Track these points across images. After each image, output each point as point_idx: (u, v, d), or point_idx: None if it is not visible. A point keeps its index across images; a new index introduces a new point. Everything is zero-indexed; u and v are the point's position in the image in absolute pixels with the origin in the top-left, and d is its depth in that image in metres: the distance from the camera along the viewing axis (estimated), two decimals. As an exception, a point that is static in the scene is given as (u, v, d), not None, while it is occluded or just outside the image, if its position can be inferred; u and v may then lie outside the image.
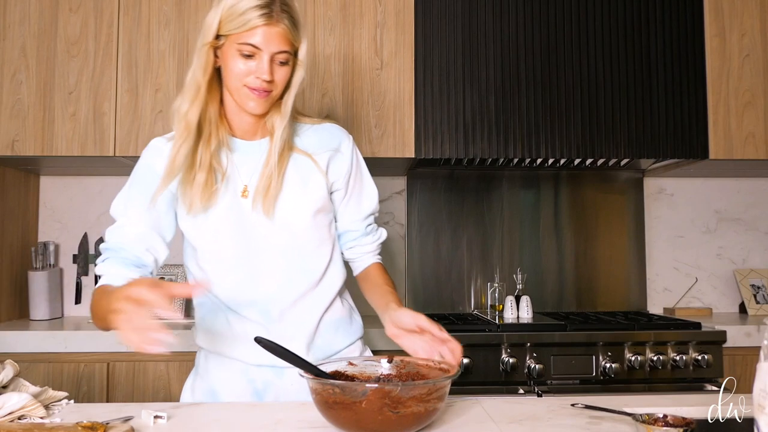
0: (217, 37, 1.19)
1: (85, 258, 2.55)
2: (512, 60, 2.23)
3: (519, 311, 2.30)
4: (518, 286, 2.44)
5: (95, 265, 1.28)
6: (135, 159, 2.24)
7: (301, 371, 0.98)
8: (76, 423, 0.94)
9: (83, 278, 2.57)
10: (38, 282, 2.38)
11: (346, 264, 1.42)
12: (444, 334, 1.14)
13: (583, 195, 2.63)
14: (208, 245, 1.30)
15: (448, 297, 2.55)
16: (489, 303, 2.47)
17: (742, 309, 2.59)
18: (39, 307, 2.38)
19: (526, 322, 2.21)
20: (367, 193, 1.41)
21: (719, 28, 2.33)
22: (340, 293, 1.38)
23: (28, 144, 2.20)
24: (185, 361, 2.01)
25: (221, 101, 1.27)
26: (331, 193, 1.35)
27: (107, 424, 0.94)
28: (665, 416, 0.91)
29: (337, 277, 1.36)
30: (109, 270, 1.22)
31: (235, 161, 1.28)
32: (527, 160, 2.33)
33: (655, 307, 2.65)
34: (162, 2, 2.24)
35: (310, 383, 0.96)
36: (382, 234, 1.45)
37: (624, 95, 2.24)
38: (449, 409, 1.10)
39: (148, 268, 1.28)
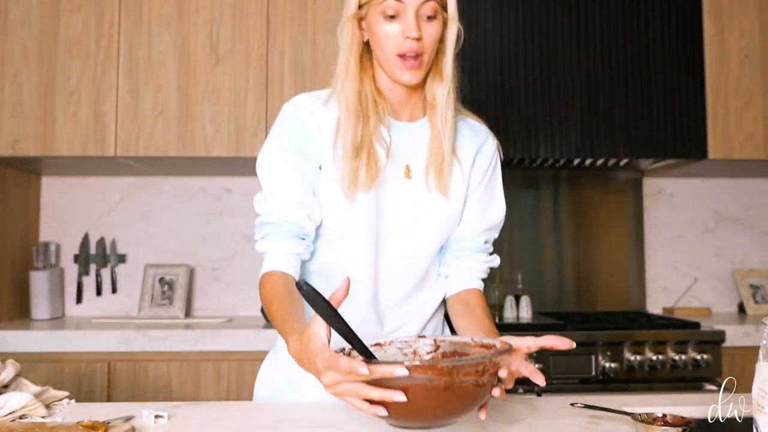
0: (360, 7, 1.13)
1: (86, 258, 2.56)
2: (512, 60, 2.23)
3: (519, 311, 2.31)
4: (518, 286, 2.44)
5: (257, 240, 1.15)
6: (136, 159, 2.27)
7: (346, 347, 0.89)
8: (77, 422, 0.94)
9: (84, 278, 2.57)
10: (39, 282, 2.39)
11: None
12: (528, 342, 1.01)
13: (583, 195, 2.63)
14: (354, 225, 1.16)
15: (448, 297, 2.55)
16: (489, 302, 2.47)
17: (741, 309, 2.60)
18: (40, 307, 2.38)
19: (525, 321, 2.21)
20: (495, 204, 1.28)
21: (718, 28, 2.33)
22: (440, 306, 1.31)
23: (29, 144, 2.20)
24: (185, 361, 2.01)
25: (374, 78, 1.19)
26: (467, 190, 1.24)
27: (108, 423, 0.94)
28: (664, 416, 0.91)
29: (441, 288, 1.28)
30: (274, 247, 1.12)
31: (395, 141, 1.18)
32: (526, 160, 2.33)
33: (655, 306, 2.66)
34: (163, 3, 2.25)
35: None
36: (495, 260, 1.29)
37: (623, 95, 2.24)
38: (449, 409, 1.10)
39: (309, 238, 1.16)
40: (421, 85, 1.19)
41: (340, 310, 1.17)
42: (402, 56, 1.10)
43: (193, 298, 2.58)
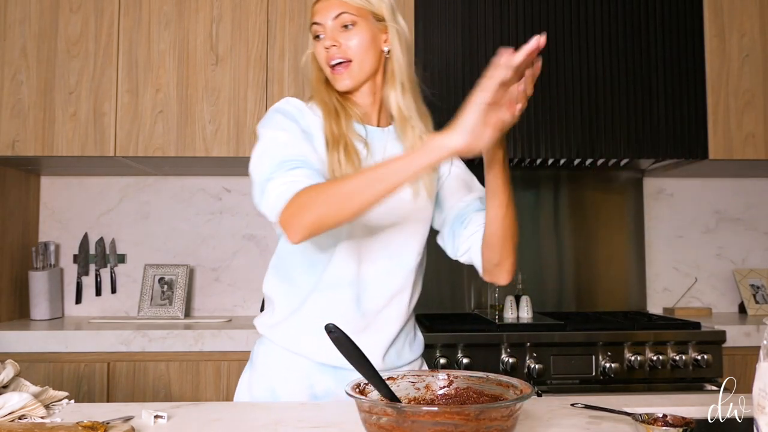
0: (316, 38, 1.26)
1: (85, 258, 2.55)
2: (512, 60, 2.23)
3: (519, 311, 2.30)
4: (518, 286, 2.44)
5: (271, 180, 1.11)
6: (135, 159, 2.26)
7: (350, 390, 0.87)
8: (77, 423, 0.94)
9: (84, 278, 2.57)
10: (39, 282, 2.38)
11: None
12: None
13: (583, 195, 2.63)
14: None
15: (448, 296, 2.55)
16: (489, 303, 2.47)
17: (742, 309, 2.59)
18: (39, 307, 2.38)
19: (525, 321, 2.21)
20: (474, 181, 1.39)
21: (719, 28, 2.33)
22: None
23: (28, 144, 2.20)
24: (185, 361, 2.01)
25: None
26: (439, 180, 1.33)
27: (107, 423, 0.94)
28: (665, 416, 0.91)
29: (419, 287, 1.34)
30: (305, 179, 1.08)
31: (371, 142, 1.27)
32: (527, 160, 2.33)
33: (655, 307, 2.65)
34: (162, 2, 2.25)
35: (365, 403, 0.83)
36: None
37: (624, 95, 2.24)
38: (449, 409, 1.10)
39: None
40: (379, 92, 1.28)
41: (323, 309, 1.21)
42: (333, 67, 1.23)
43: (192, 298, 2.58)
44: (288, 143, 1.16)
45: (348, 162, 1.19)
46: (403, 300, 1.28)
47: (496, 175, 1.18)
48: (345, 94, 1.28)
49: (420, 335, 1.39)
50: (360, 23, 1.22)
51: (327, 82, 1.28)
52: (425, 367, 1.41)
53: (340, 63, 1.22)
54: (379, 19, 1.24)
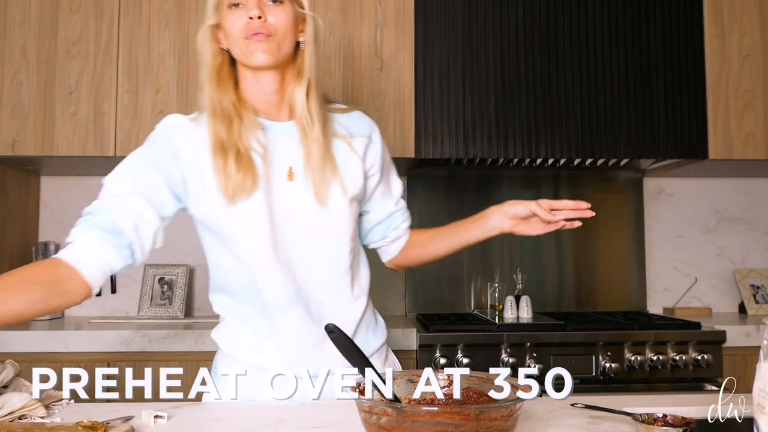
0: (216, 13, 1.18)
1: (85, 258, 2.55)
2: (512, 60, 2.23)
3: (519, 311, 2.30)
4: (518, 286, 2.44)
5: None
6: (135, 159, 2.26)
7: (350, 390, 0.87)
8: (77, 423, 0.94)
9: (83, 278, 2.56)
10: (38, 282, 2.38)
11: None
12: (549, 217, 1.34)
13: (583, 195, 2.62)
14: (250, 233, 1.17)
15: (448, 297, 2.55)
16: (489, 303, 2.47)
17: (742, 309, 2.59)
18: (39, 307, 2.38)
19: (525, 322, 2.21)
20: (394, 179, 1.41)
21: (719, 28, 2.33)
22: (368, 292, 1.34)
23: (28, 144, 2.20)
24: (185, 361, 2.01)
25: (237, 87, 1.23)
26: (366, 180, 1.30)
27: (107, 423, 0.94)
28: (665, 416, 0.91)
29: (366, 274, 1.32)
30: (77, 237, 1.09)
31: (272, 142, 1.20)
32: (527, 160, 2.33)
33: (655, 307, 2.65)
34: (162, 3, 2.25)
35: (366, 403, 0.83)
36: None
37: (624, 95, 2.24)
38: (449, 409, 1.10)
39: (124, 237, 1.11)
40: (286, 86, 1.22)
41: (282, 332, 1.21)
42: (252, 36, 1.14)
43: (193, 298, 2.58)
44: (109, 180, 1.15)
45: (240, 170, 1.14)
46: (349, 297, 1.27)
47: (478, 238, 1.34)
48: (240, 96, 1.21)
49: (381, 320, 1.38)
50: (287, 2, 1.17)
51: (220, 78, 1.19)
52: (391, 352, 1.39)
53: (261, 34, 1.14)
54: (301, 6, 1.20)
